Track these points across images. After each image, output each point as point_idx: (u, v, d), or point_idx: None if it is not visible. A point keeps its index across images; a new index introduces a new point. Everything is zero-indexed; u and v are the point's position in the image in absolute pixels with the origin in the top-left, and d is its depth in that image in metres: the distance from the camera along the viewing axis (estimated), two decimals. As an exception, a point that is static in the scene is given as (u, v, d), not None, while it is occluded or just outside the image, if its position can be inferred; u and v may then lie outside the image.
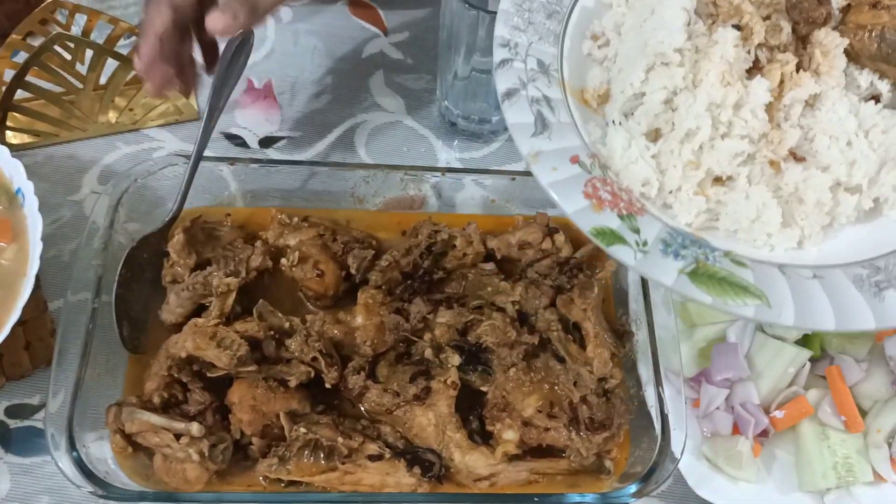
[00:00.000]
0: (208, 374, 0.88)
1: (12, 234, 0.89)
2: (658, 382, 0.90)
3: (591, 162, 0.75)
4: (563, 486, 0.89)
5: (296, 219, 0.99)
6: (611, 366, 0.91)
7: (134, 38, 1.05)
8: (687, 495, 0.92)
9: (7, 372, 0.92)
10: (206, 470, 0.84)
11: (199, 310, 0.92)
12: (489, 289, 0.97)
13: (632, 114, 0.79)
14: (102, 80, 1.06)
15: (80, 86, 1.05)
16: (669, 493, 0.95)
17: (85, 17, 1.03)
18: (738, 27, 0.79)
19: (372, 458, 0.86)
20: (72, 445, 0.80)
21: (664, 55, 0.77)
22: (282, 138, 1.14)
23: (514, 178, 1.04)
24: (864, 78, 0.80)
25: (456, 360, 0.90)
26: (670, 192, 0.77)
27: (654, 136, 0.78)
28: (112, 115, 1.09)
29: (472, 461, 0.87)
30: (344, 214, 1.04)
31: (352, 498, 0.85)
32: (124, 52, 1.04)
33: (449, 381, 0.88)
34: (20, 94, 1.03)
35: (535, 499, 0.85)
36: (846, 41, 0.78)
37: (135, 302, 0.92)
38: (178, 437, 0.83)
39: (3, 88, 1.03)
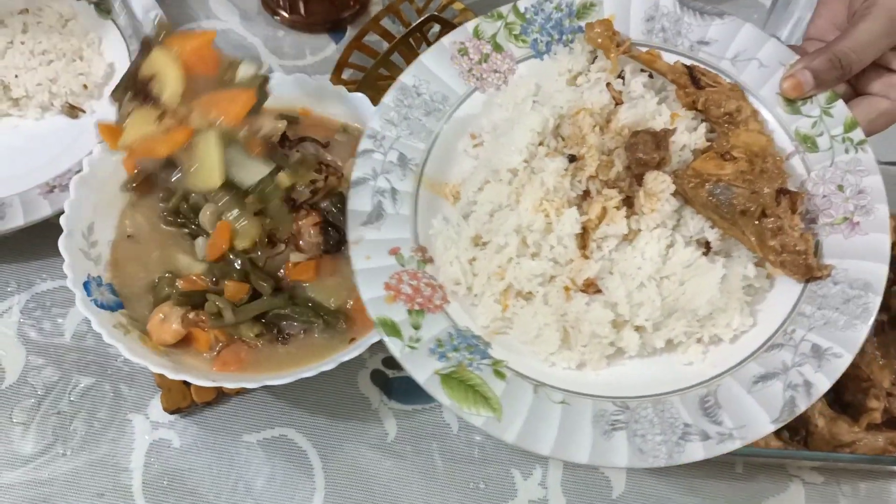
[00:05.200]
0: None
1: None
2: None
3: (412, 255, 0.82)
4: (912, 456, 0.93)
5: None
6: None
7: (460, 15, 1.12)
8: None
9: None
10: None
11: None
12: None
13: (468, 216, 0.83)
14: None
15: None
16: None
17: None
18: (574, 157, 0.81)
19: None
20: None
21: (498, 172, 0.82)
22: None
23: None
24: (695, 223, 0.80)
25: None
26: (476, 294, 0.82)
27: (481, 241, 0.83)
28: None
29: (836, 428, 0.92)
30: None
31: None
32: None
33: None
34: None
35: (920, 462, 0.90)
36: (673, 187, 0.79)
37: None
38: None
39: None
